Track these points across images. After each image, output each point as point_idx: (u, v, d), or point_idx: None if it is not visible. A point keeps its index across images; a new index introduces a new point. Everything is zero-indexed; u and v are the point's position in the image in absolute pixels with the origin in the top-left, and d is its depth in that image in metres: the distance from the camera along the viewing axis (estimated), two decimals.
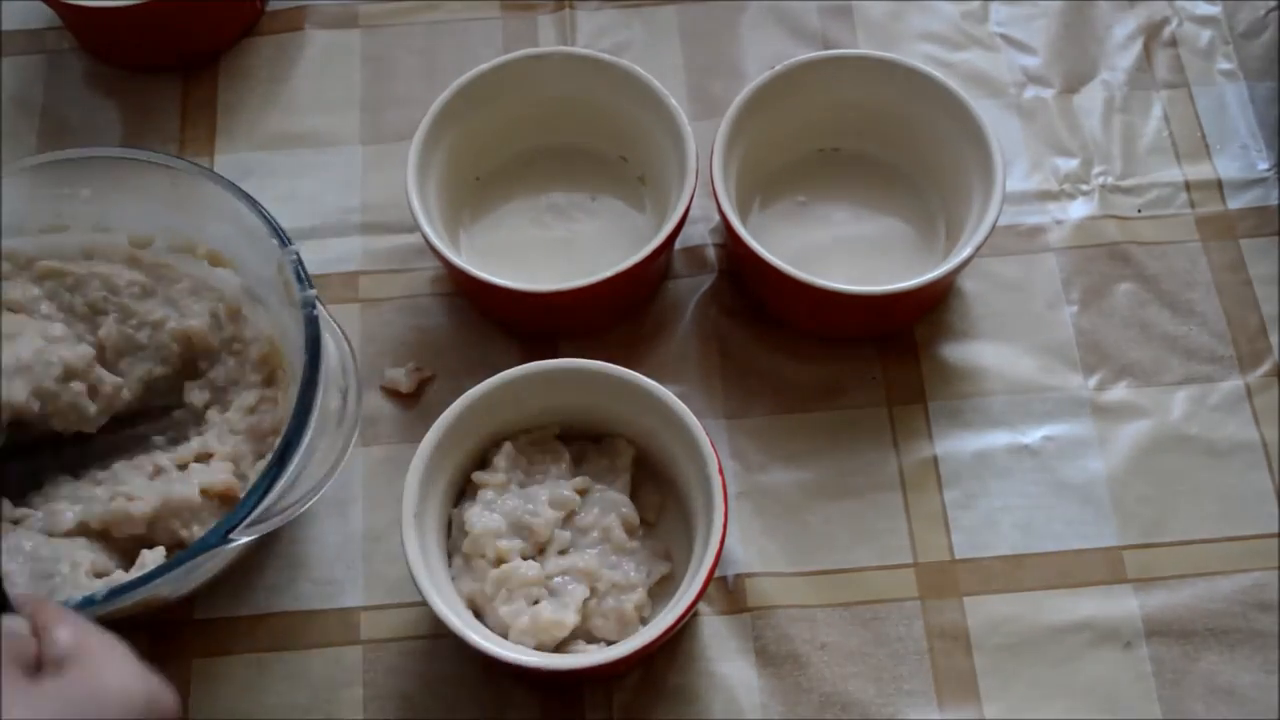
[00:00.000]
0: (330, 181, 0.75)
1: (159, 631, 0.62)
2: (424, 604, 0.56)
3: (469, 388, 0.61)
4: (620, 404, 0.62)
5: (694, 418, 0.60)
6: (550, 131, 0.73)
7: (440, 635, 0.62)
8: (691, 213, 0.66)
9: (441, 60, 0.79)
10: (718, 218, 0.69)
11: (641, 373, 0.61)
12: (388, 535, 0.65)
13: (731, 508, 0.61)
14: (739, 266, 0.71)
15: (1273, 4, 0.79)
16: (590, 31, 0.79)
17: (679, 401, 0.60)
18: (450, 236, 0.69)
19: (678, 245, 0.71)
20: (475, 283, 0.65)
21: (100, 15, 0.74)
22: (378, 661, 0.62)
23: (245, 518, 0.54)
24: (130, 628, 0.51)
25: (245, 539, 0.55)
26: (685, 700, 0.61)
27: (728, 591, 0.63)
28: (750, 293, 0.71)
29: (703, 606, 0.63)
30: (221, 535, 0.54)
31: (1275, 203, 0.73)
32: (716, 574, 0.59)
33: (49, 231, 0.65)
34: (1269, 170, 0.74)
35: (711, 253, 0.72)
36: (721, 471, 0.58)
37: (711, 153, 0.66)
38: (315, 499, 0.57)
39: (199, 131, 0.76)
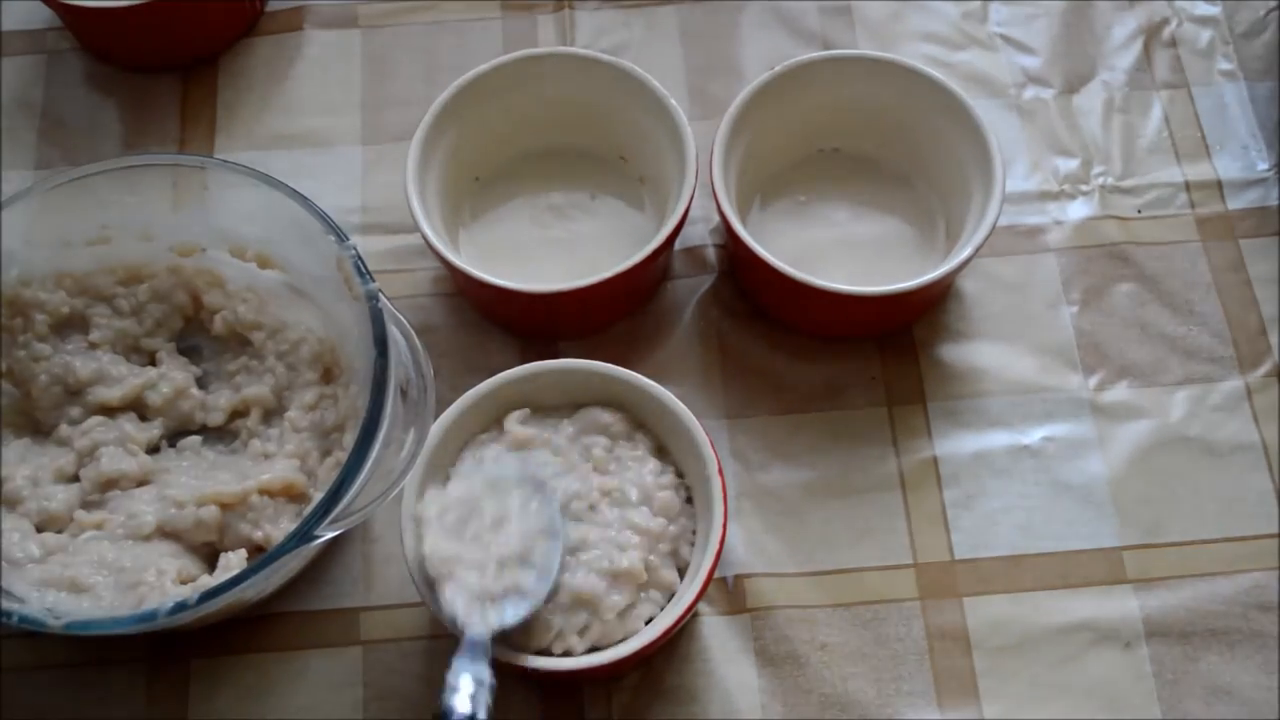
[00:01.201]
0: (330, 181, 0.75)
1: (159, 633, 0.62)
2: (424, 604, 0.56)
3: (469, 388, 0.61)
4: (620, 404, 0.62)
5: (694, 418, 0.60)
6: (550, 131, 0.73)
7: (440, 635, 0.62)
8: (691, 213, 0.66)
9: (441, 60, 0.79)
10: (718, 218, 0.69)
11: (641, 373, 0.61)
12: (388, 535, 0.65)
13: (732, 508, 0.61)
14: (739, 267, 0.71)
15: (1273, 4, 0.79)
16: (590, 31, 0.79)
17: (679, 402, 0.60)
18: (450, 236, 0.69)
19: (678, 245, 0.71)
20: (475, 283, 0.65)
21: (100, 15, 0.74)
22: (378, 662, 0.62)
23: (328, 514, 0.54)
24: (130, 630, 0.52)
25: (330, 535, 0.55)
26: (685, 701, 0.61)
27: (728, 592, 0.63)
28: (750, 293, 0.71)
29: (703, 606, 0.63)
30: (306, 533, 0.54)
31: (1275, 203, 0.73)
32: (716, 574, 0.59)
33: (94, 244, 0.65)
34: (1269, 170, 0.74)
35: (711, 253, 0.72)
36: (721, 472, 0.58)
37: (711, 153, 0.66)
38: (396, 491, 0.57)
39: (199, 132, 0.76)
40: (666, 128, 0.68)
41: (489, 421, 0.62)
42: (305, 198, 0.60)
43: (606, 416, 0.62)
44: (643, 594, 0.58)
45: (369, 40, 0.80)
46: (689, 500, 0.61)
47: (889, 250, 0.71)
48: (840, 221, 0.72)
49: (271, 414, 0.65)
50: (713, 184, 0.66)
